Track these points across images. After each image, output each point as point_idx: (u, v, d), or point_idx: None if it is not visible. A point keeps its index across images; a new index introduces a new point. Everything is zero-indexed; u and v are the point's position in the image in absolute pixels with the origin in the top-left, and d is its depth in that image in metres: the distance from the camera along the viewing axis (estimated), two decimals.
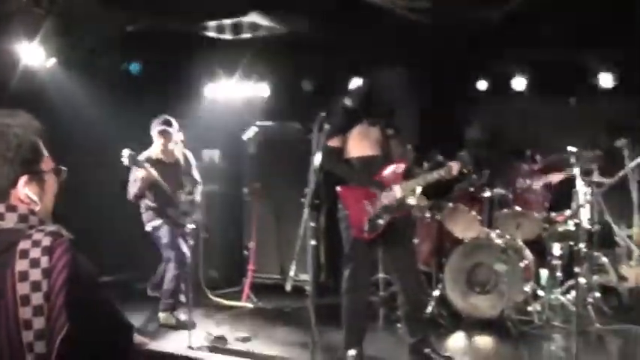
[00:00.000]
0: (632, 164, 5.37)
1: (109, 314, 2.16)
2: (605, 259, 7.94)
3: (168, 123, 7.55)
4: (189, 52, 9.24)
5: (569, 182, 7.53)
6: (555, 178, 8.31)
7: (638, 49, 8.17)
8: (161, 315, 7.59)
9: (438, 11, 7.69)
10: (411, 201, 6.24)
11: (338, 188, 6.16)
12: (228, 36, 8.96)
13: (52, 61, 8.43)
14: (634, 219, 8.09)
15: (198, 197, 7.75)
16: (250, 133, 9.49)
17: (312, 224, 5.31)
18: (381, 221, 6.04)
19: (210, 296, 8.63)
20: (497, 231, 7.83)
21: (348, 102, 6.12)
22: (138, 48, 9.14)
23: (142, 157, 7.37)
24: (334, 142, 6.08)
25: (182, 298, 7.67)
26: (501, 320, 7.29)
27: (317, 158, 5.41)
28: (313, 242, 5.35)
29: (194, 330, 6.69)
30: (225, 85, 10.00)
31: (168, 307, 7.58)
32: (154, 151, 7.60)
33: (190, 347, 6.49)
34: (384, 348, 6.78)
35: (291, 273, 5.54)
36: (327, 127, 5.63)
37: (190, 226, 7.07)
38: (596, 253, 7.85)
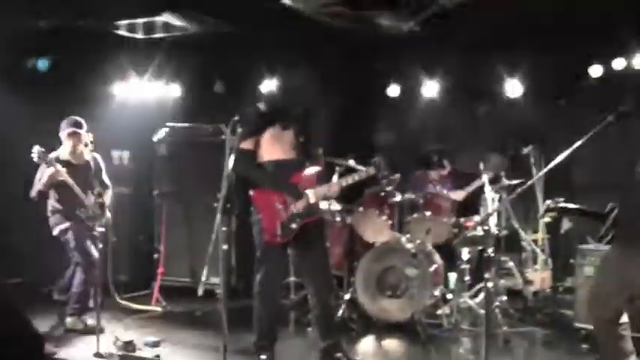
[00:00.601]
0: (541, 173, 5.52)
1: (19, 324, 2.10)
2: (511, 264, 8.15)
3: (77, 125, 7.40)
4: (99, 50, 9.05)
5: (479, 188, 7.69)
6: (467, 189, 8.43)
7: (545, 57, 8.39)
8: (68, 320, 7.43)
9: (351, 16, 7.73)
10: (324, 205, 6.23)
11: (251, 192, 6.12)
12: (140, 35, 8.83)
13: None
14: (539, 224, 8.30)
15: (107, 200, 7.60)
16: (161, 134, 9.36)
17: (224, 228, 5.27)
18: (293, 225, 6.02)
19: (119, 300, 8.47)
20: (408, 235, 7.90)
21: (260, 105, 6.09)
22: (47, 45, 8.91)
23: (50, 157, 7.19)
24: (247, 145, 6.03)
25: (90, 302, 7.51)
26: (411, 324, 7.37)
27: (230, 162, 5.38)
28: (225, 246, 5.31)
29: (102, 335, 6.55)
30: (135, 85, 9.84)
31: (75, 312, 7.42)
32: (63, 152, 7.43)
33: (98, 353, 6.35)
34: (295, 352, 6.78)
35: (203, 277, 5.49)
36: (239, 130, 5.60)
37: (99, 229, 6.95)
38: (503, 258, 8.04)
